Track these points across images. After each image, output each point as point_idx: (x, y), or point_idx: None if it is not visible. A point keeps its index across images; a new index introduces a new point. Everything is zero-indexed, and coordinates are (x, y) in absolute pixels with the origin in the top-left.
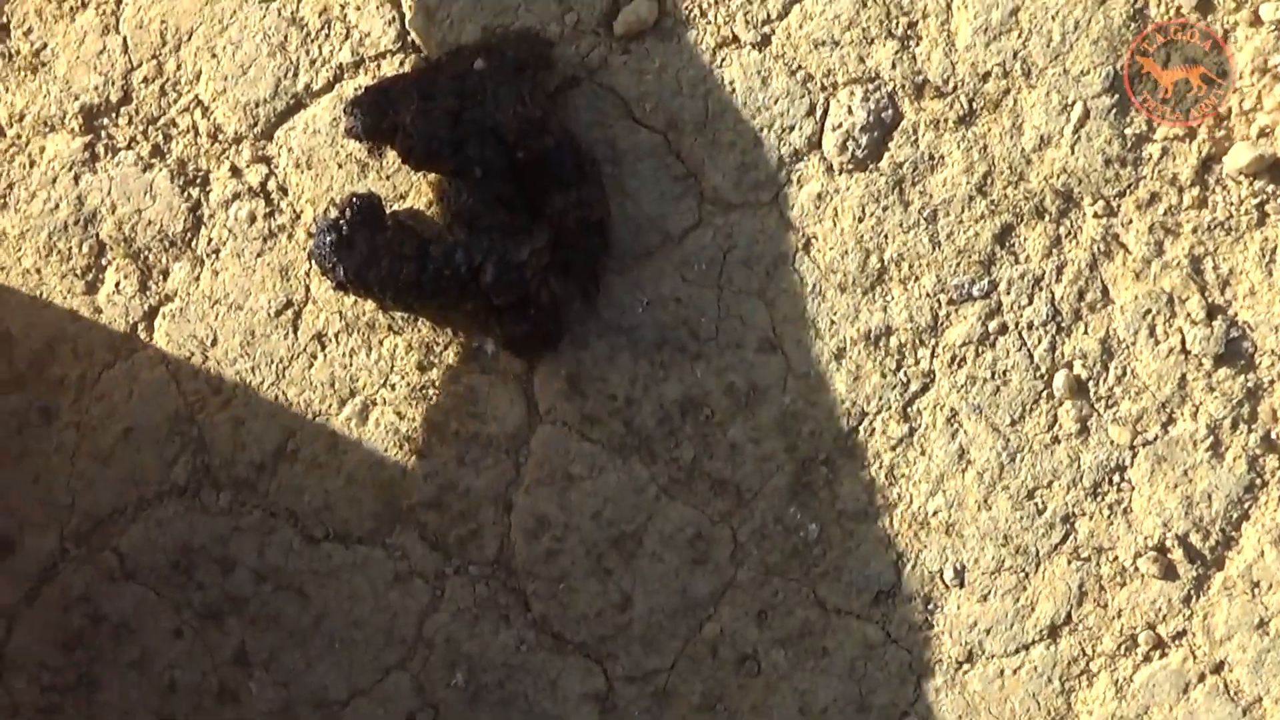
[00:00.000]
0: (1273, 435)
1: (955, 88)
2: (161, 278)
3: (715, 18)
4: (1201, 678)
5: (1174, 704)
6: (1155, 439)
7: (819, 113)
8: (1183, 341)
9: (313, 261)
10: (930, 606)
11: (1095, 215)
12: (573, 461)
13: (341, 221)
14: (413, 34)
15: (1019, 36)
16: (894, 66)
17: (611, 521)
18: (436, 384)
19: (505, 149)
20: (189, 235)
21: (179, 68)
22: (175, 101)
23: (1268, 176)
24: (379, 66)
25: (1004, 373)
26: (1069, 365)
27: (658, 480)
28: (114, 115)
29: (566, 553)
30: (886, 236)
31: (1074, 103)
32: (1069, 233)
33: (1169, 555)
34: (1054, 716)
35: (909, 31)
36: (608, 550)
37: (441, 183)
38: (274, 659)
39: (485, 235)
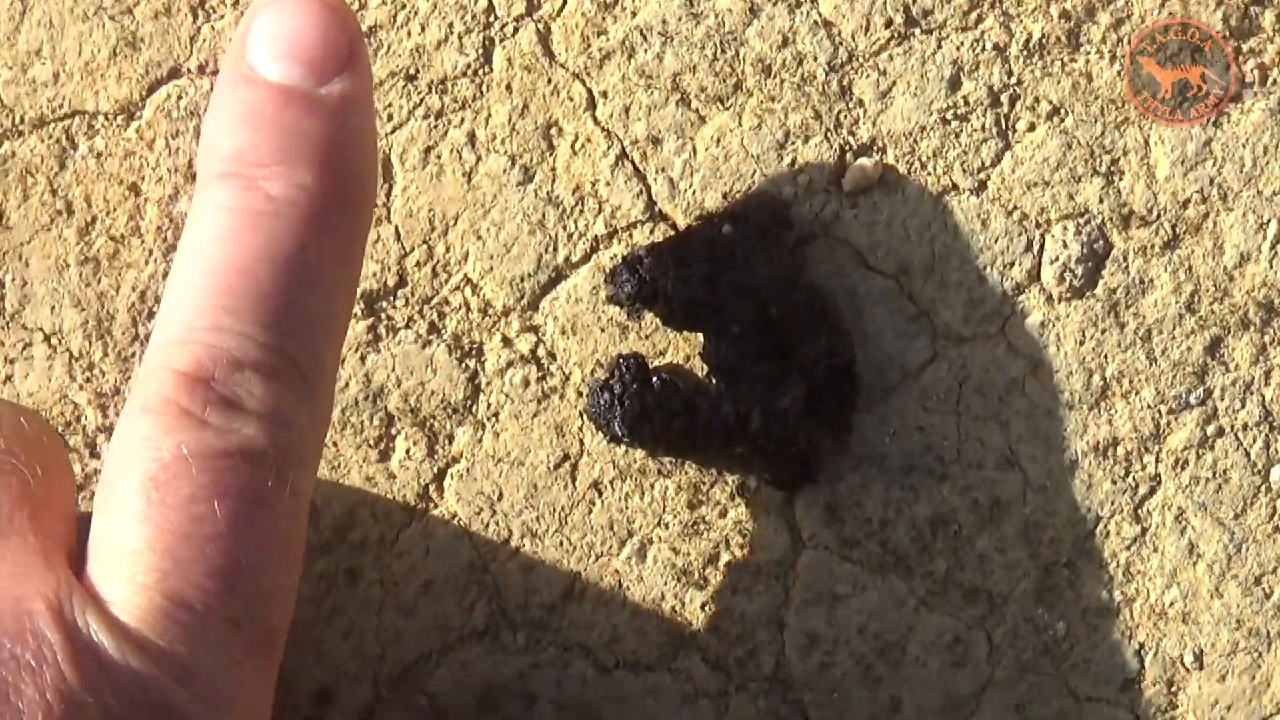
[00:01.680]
0: None
1: (1158, 216)
2: (447, 442)
3: (934, 169)
4: None
5: None
6: None
7: (1036, 248)
8: None
9: (586, 419)
10: (1173, 689)
11: None
12: (837, 582)
13: (611, 381)
14: (660, 205)
15: (1214, 164)
16: (1101, 201)
17: (876, 634)
18: (706, 520)
19: (759, 305)
20: (469, 402)
21: (448, 250)
22: (446, 281)
23: None
24: (630, 236)
25: (1224, 471)
26: None
27: (915, 593)
28: (392, 298)
29: (838, 665)
30: (1106, 356)
31: (1269, 220)
32: (1273, 340)
33: None
34: None
35: (1112, 168)
36: (875, 660)
37: (697, 339)
38: None
39: (747, 386)
